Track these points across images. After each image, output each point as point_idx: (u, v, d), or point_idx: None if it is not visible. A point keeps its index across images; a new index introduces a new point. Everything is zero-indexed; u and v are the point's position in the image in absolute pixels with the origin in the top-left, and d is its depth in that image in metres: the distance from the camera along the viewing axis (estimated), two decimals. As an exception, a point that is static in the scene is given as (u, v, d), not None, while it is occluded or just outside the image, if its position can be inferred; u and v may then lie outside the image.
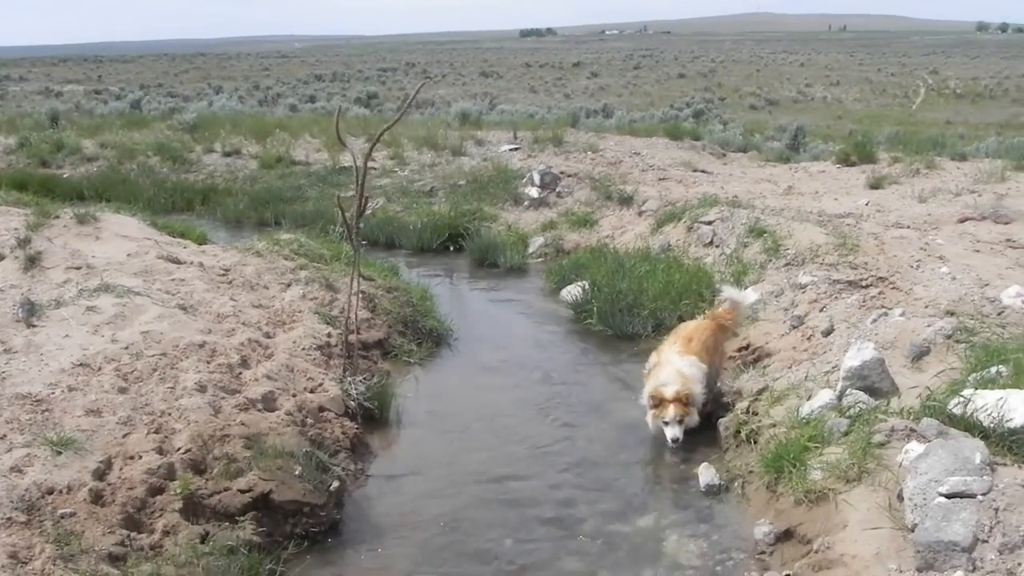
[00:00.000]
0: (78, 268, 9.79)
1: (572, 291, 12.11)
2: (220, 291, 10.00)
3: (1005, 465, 5.47)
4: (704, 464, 7.34)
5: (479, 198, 17.50)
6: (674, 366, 7.95)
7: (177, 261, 10.80)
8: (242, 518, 6.04)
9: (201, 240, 13.46)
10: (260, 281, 10.70)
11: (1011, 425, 5.77)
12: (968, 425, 5.95)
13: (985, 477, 5.17)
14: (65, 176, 21.42)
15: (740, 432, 7.67)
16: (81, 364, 7.32)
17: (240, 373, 7.94)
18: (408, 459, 7.89)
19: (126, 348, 7.69)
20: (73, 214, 11.77)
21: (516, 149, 21.27)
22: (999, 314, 8.43)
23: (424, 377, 9.81)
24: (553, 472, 7.61)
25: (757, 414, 7.71)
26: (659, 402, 7.71)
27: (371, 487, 7.29)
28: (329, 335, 9.33)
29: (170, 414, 6.89)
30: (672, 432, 7.64)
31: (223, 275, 10.66)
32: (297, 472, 6.47)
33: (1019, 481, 5.13)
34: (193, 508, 6.02)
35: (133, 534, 5.61)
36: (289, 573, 5.76)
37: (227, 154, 23.10)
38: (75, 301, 8.59)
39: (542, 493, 7.25)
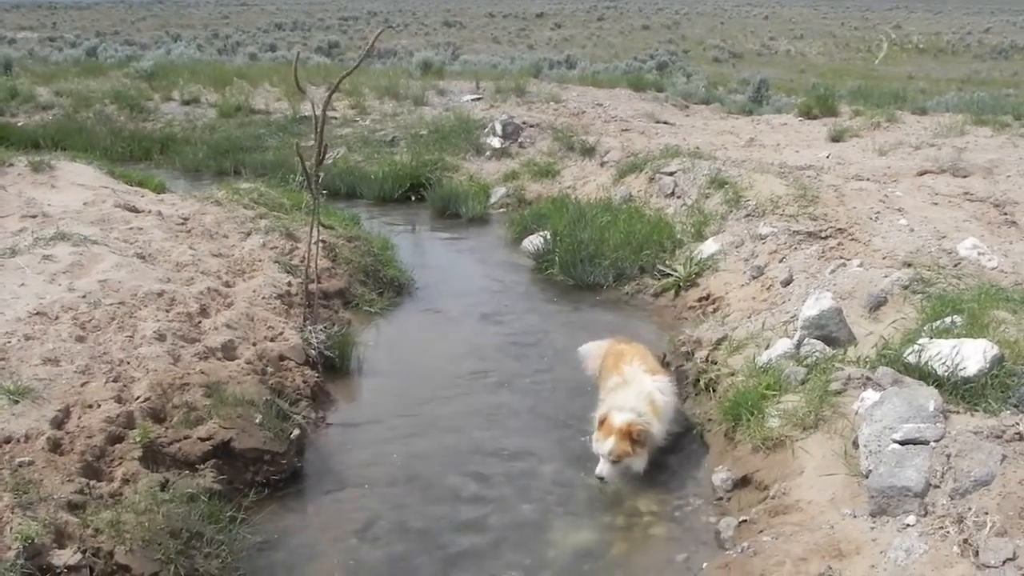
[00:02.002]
0: (33, 216, 9.64)
1: (534, 241, 12.10)
2: (179, 240, 9.88)
3: (958, 413, 5.57)
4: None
5: (441, 148, 17.38)
6: (644, 388, 6.68)
7: (135, 210, 10.65)
8: (202, 466, 6.02)
9: (159, 189, 13.24)
10: (219, 230, 10.58)
11: (964, 374, 5.87)
12: (923, 374, 6.04)
13: (938, 424, 5.27)
14: (19, 124, 20.97)
15: (699, 381, 7.75)
16: (38, 313, 7.21)
17: (199, 322, 7.87)
18: (369, 407, 7.92)
19: (83, 297, 7.58)
20: (28, 162, 11.57)
21: (478, 99, 21.13)
22: (955, 265, 8.54)
23: (385, 326, 9.80)
24: (514, 420, 7.67)
25: (716, 363, 7.78)
26: (603, 424, 6.45)
27: (332, 435, 7.30)
28: (289, 284, 9.26)
29: (129, 363, 6.82)
30: (601, 468, 6.37)
31: (182, 224, 10.53)
32: (258, 420, 6.46)
33: (971, 428, 5.22)
34: (153, 456, 5.98)
35: (92, 482, 5.56)
36: (251, 520, 5.76)
37: (186, 103, 22.75)
38: (31, 250, 8.45)
39: (503, 440, 7.30)
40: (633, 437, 6.28)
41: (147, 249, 9.23)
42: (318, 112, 8.35)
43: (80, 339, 6.97)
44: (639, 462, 6.38)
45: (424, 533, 6.03)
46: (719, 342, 8.13)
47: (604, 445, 6.31)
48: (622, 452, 6.28)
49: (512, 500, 6.45)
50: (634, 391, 6.61)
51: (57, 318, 7.22)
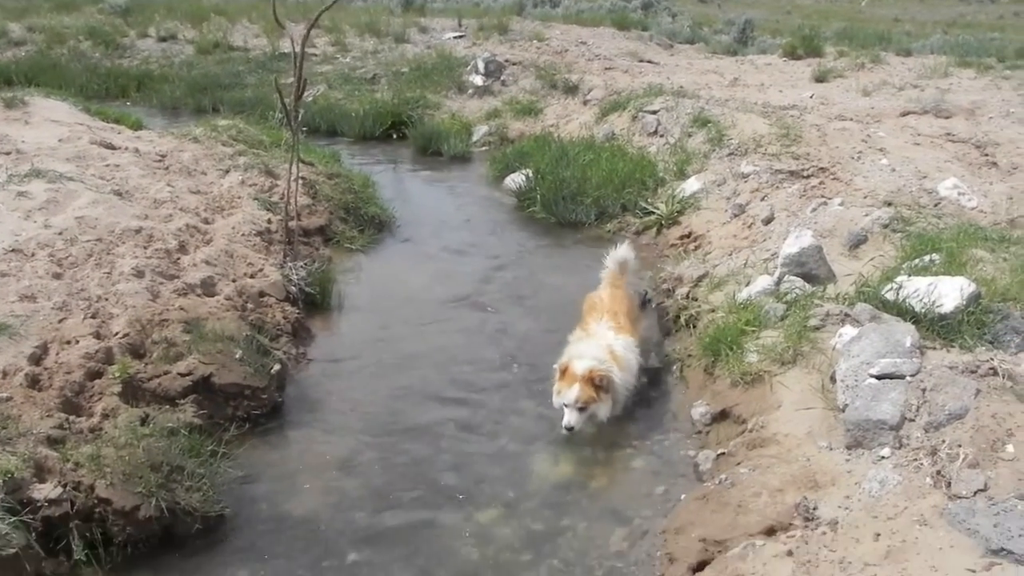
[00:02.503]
0: (7, 153, 9.49)
1: (516, 179, 12.07)
2: (156, 177, 9.78)
3: (934, 348, 5.62)
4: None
5: (422, 86, 17.26)
6: (605, 341, 6.60)
7: (111, 147, 10.52)
8: (183, 401, 6.01)
9: (136, 127, 13.08)
10: (198, 167, 10.48)
11: (941, 311, 5.91)
12: (900, 310, 6.08)
13: (914, 359, 5.31)
14: (-9, 61, 20.62)
15: (680, 317, 7.78)
16: (13, 250, 7.14)
17: (178, 258, 7.81)
18: (350, 343, 7.92)
19: (60, 234, 7.51)
20: (0, 98, 11.38)
21: (460, 37, 20.93)
22: (936, 205, 8.57)
23: (366, 263, 9.78)
24: (494, 352, 7.71)
25: (696, 300, 7.81)
26: (564, 373, 6.27)
27: (313, 370, 7.31)
28: (269, 221, 9.20)
29: (107, 299, 6.77)
30: (567, 418, 6.18)
31: (159, 161, 10.42)
32: (237, 356, 6.45)
33: (946, 363, 5.27)
34: (133, 392, 5.97)
35: (72, 417, 5.54)
36: (232, 454, 5.76)
37: (162, 39, 22.43)
38: (5, 187, 8.33)
39: (482, 374, 7.35)
40: (596, 383, 6.16)
41: (124, 186, 9.12)
42: (297, 49, 8.23)
43: (57, 276, 6.91)
44: (604, 408, 6.26)
45: (405, 466, 6.07)
46: (700, 279, 8.15)
47: (568, 393, 6.15)
48: (588, 398, 6.14)
49: (493, 433, 6.50)
50: (595, 342, 6.53)
51: (33, 255, 7.15)
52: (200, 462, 5.41)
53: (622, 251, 7.67)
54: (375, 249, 10.23)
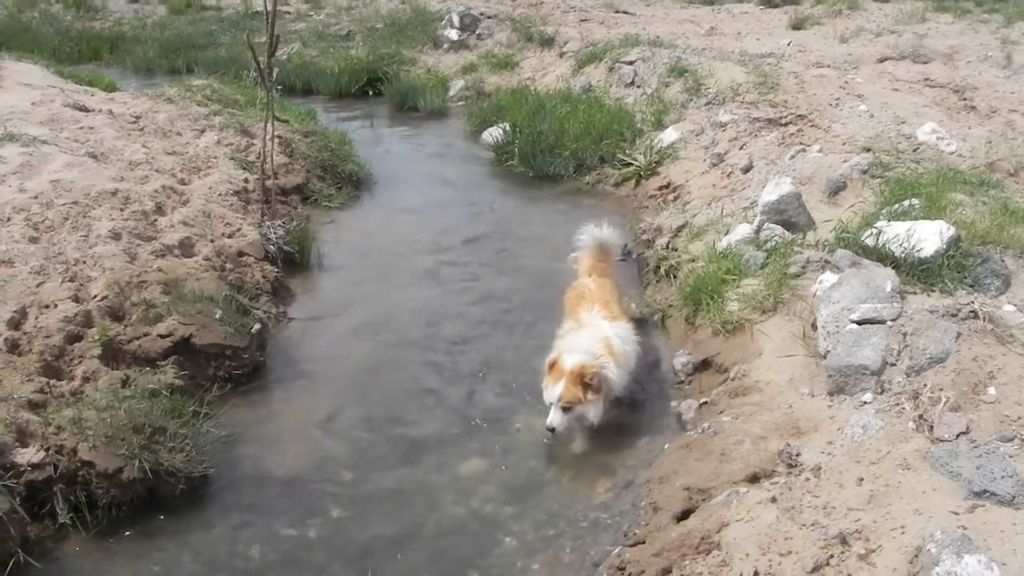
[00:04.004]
0: (-21, 119, 9.36)
1: (493, 133, 11.99)
2: (131, 138, 9.66)
3: (915, 293, 5.64)
4: (624, 299, 7.41)
5: (397, 41, 17.08)
6: (602, 332, 5.95)
7: (85, 109, 10.38)
8: (163, 362, 5.98)
9: (110, 89, 12.91)
10: (173, 128, 10.36)
11: (921, 255, 5.91)
12: (880, 255, 6.08)
13: (895, 304, 5.32)
14: (-40, 25, 20.28)
15: (660, 268, 7.77)
16: (-12, 215, 7.07)
17: (155, 220, 7.74)
18: (330, 301, 7.89)
19: (35, 198, 7.40)
20: (-29, 64, 11.22)
21: (435, -10, 20.66)
22: (914, 150, 8.56)
23: (344, 220, 9.72)
24: (475, 309, 7.70)
25: (676, 250, 7.81)
26: (553, 367, 5.72)
27: (294, 329, 7.28)
28: (246, 181, 9.11)
29: (85, 262, 6.71)
30: (551, 417, 5.62)
31: (134, 122, 10.29)
32: (217, 316, 6.41)
33: (927, 307, 5.28)
34: (113, 354, 5.93)
35: (53, 381, 5.52)
36: (214, 414, 5.74)
37: (133, 0, 22.04)
38: (-23, 152, 8.23)
39: (463, 330, 7.34)
40: (585, 381, 5.55)
41: (99, 148, 9.01)
42: (270, 6, 8.10)
43: (33, 240, 6.83)
44: (594, 411, 5.65)
45: (388, 423, 6.07)
46: (679, 229, 8.14)
47: (553, 390, 5.59)
48: (573, 398, 5.55)
49: (474, 388, 6.50)
50: (589, 334, 5.91)
51: (9, 219, 7.05)
52: (182, 423, 5.40)
53: (604, 231, 7.05)
54: (353, 206, 10.17)
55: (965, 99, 10.58)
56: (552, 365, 5.71)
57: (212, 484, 5.38)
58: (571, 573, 4.70)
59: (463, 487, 5.43)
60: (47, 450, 4.94)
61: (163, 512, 5.11)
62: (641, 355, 6.23)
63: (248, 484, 5.43)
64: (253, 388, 6.37)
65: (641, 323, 7.08)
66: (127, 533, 4.96)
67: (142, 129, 10.08)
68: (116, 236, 7.11)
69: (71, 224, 7.18)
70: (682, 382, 6.37)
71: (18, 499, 4.71)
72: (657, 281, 7.75)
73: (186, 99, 11.49)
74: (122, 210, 7.63)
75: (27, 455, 4.88)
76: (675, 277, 7.49)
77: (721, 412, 5.50)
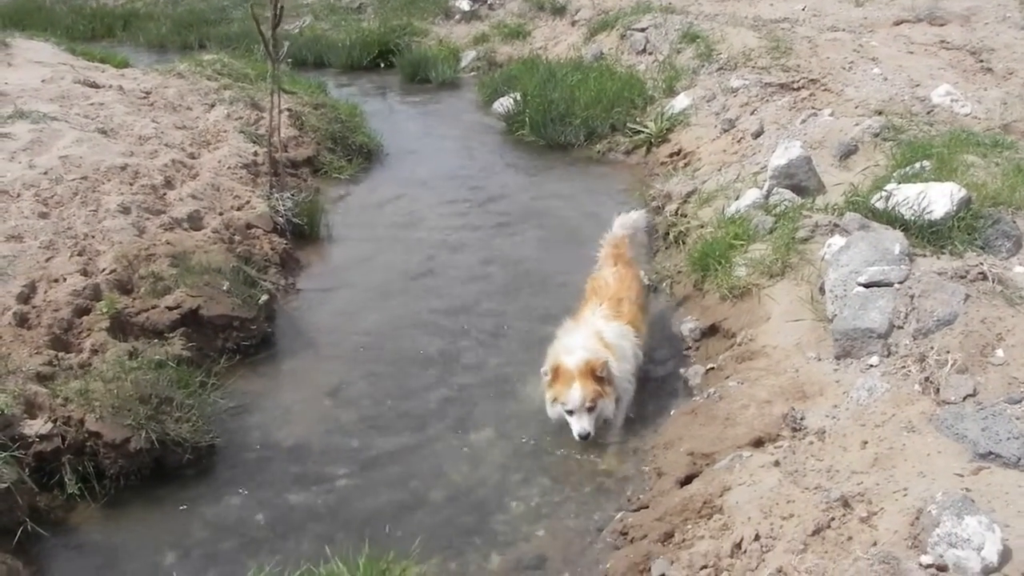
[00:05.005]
0: (-9, 96, 9.39)
1: (504, 103, 11.95)
2: (141, 114, 9.68)
3: (924, 255, 5.58)
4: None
5: (409, 13, 17.03)
6: (593, 328, 5.67)
7: (95, 85, 10.40)
8: (171, 334, 6.00)
9: (122, 66, 12.92)
10: (183, 102, 10.39)
11: (931, 217, 5.85)
12: (890, 218, 6.02)
13: (903, 266, 5.26)
14: (-28, 5, 20.34)
15: (669, 234, 7.73)
16: (-1, 191, 7.10)
17: (164, 194, 7.76)
18: (338, 272, 7.90)
19: (45, 173, 7.43)
20: (-18, 41, 11.25)
21: (446, -40, 20.52)
22: (928, 113, 8.46)
23: (355, 192, 9.73)
24: (485, 278, 7.70)
25: (686, 216, 7.76)
26: (557, 375, 5.35)
27: (302, 300, 7.30)
28: (255, 154, 9.12)
29: (93, 236, 6.73)
30: (579, 425, 5.26)
31: (144, 98, 10.31)
32: (225, 287, 6.43)
33: (936, 269, 5.23)
34: (121, 327, 5.96)
35: (61, 354, 5.55)
36: (222, 385, 5.77)
37: (147, -23, 22.06)
38: (-11, 129, 8.25)
39: (472, 300, 7.34)
40: (597, 374, 5.28)
41: (109, 124, 9.03)
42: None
43: (43, 215, 6.86)
44: (610, 404, 5.40)
45: (396, 392, 6.08)
46: (689, 195, 8.09)
47: (571, 395, 5.24)
48: (594, 394, 5.24)
49: (482, 356, 6.51)
50: (581, 332, 5.63)
51: (19, 195, 7.08)
52: (189, 393, 5.43)
53: (634, 216, 6.79)
54: (363, 178, 10.16)
55: (981, 61, 10.42)
56: (555, 372, 5.35)
57: (219, 453, 5.41)
58: (575, 538, 4.70)
59: (469, 455, 5.44)
60: (55, 421, 4.97)
61: (170, 482, 5.14)
62: (640, 358, 5.82)
63: (255, 453, 5.46)
64: (261, 359, 6.39)
65: (647, 291, 7.05)
66: (135, 503, 4.99)
67: (152, 104, 10.11)
68: (125, 210, 7.13)
69: (80, 199, 7.20)
70: (689, 348, 6.34)
71: (27, 470, 4.75)
72: (666, 248, 7.72)
73: (196, 74, 11.51)
74: (131, 184, 7.65)
75: (35, 426, 4.92)
76: (684, 243, 7.45)
77: (727, 377, 5.48)
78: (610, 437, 5.53)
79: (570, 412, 5.27)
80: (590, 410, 5.25)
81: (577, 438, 5.25)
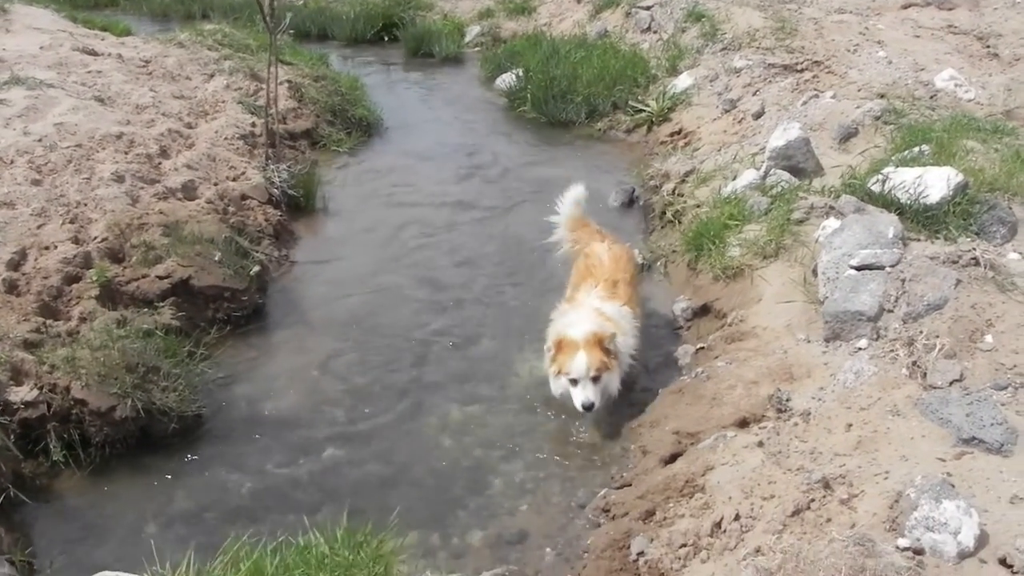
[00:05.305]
0: (-13, 61, 9.36)
1: (506, 79, 11.88)
2: (139, 82, 9.64)
3: (919, 240, 5.54)
4: (628, 244, 7.32)
5: (414, -14, 16.91)
6: (592, 307, 5.50)
7: (94, 53, 10.35)
8: (161, 304, 5.99)
9: (124, 34, 12.86)
10: (182, 72, 10.34)
11: (927, 201, 5.81)
12: (886, 202, 5.98)
13: (895, 250, 5.23)
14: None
15: (665, 213, 7.70)
16: (-8, 158, 7.07)
17: (159, 163, 7.74)
18: (333, 245, 7.88)
19: (39, 140, 7.40)
20: (-19, 7, 11.20)
21: (454, -66, 20.39)
22: (931, 97, 8.39)
23: (353, 165, 9.68)
24: (480, 255, 7.69)
25: (683, 195, 7.72)
26: (561, 346, 5.23)
27: (295, 272, 7.28)
28: (253, 125, 9.08)
29: (86, 205, 6.72)
30: (583, 395, 5.11)
31: (143, 67, 10.26)
32: (217, 258, 6.41)
33: (928, 254, 5.19)
34: (111, 295, 5.95)
35: (49, 321, 5.54)
36: (212, 356, 5.77)
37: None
38: (-16, 95, 8.22)
39: (467, 275, 7.32)
40: (604, 345, 5.17)
41: (106, 92, 8.99)
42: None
43: (36, 182, 6.84)
44: (615, 378, 5.28)
45: (385, 366, 6.07)
46: (687, 175, 8.04)
47: (575, 364, 5.11)
48: (600, 364, 5.12)
49: (475, 332, 6.49)
50: (581, 311, 5.48)
51: (12, 162, 7.06)
52: (176, 363, 5.43)
53: (575, 192, 6.65)
54: (362, 151, 10.11)
55: (988, 46, 10.32)
56: (559, 344, 5.23)
57: (206, 424, 5.42)
58: (558, 514, 4.71)
59: (455, 430, 5.44)
60: (41, 388, 4.98)
61: (156, 451, 5.15)
62: (640, 341, 5.67)
63: (242, 424, 5.46)
64: (252, 330, 6.39)
65: (641, 270, 7.03)
66: (121, 471, 5.01)
67: (151, 73, 10.07)
68: (119, 179, 7.11)
69: (74, 167, 7.19)
70: (680, 327, 6.32)
71: (11, 436, 4.76)
72: (662, 227, 7.68)
73: (197, 43, 11.46)
74: (126, 153, 7.63)
75: (21, 393, 4.94)
76: (680, 223, 7.41)
77: (717, 357, 5.47)
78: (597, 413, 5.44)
79: (574, 382, 5.15)
80: (595, 380, 5.12)
81: (580, 408, 5.13)
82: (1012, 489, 3.53)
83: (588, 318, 5.33)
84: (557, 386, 5.30)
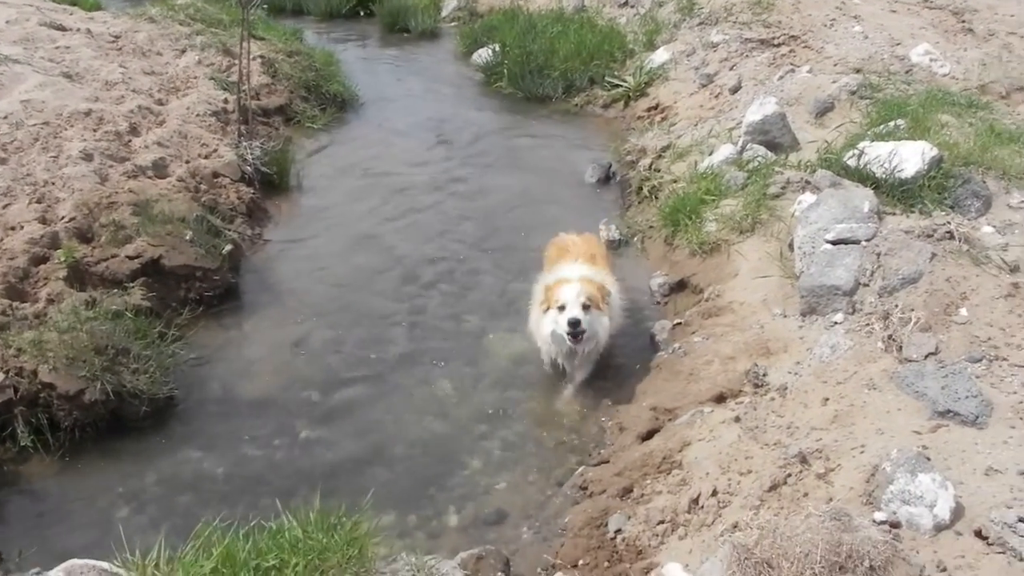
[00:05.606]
0: (-50, 36, 9.18)
1: (483, 54, 11.80)
2: (109, 58, 9.46)
3: (894, 214, 5.53)
4: (605, 220, 7.31)
5: (391, -41, 16.71)
6: (582, 272, 5.39)
7: (62, 28, 10.14)
8: (131, 284, 5.89)
9: (93, 8, 12.62)
10: (153, 47, 10.16)
11: (902, 175, 5.80)
12: (862, 176, 5.97)
13: (871, 224, 5.22)
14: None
15: (642, 189, 7.65)
16: (-44, 135, 6.93)
17: (129, 141, 7.60)
18: (307, 222, 7.79)
19: (4, 118, 7.24)
20: (-57, -19, 10.95)
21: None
22: (907, 72, 8.37)
23: (328, 142, 9.58)
24: (454, 231, 7.62)
25: (659, 171, 7.67)
26: (554, 286, 5.24)
27: (269, 251, 7.20)
28: (226, 101, 8.94)
29: (53, 183, 6.59)
30: (570, 313, 5.04)
31: (113, 42, 10.07)
32: (188, 237, 6.32)
33: (903, 228, 5.19)
34: (79, 276, 5.85)
35: (16, 303, 5.44)
36: (184, 336, 5.69)
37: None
38: (-52, 71, 8.06)
39: (442, 253, 7.27)
40: (596, 287, 5.22)
41: (74, 68, 8.82)
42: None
43: (1, 161, 6.71)
44: (604, 323, 5.23)
45: (360, 345, 6.02)
46: (664, 150, 8.00)
47: (566, 291, 5.12)
48: (592, 295, 5.12)
49: (450, 313, 6.43)
50: (571, 269, 5.43)
51: (-24, 141, 6.94)
52: (147, 344, 5.34)
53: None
54: (337, 128, 10.01)
55: (964, 21, 10.31)
56: (551, 286, 5.24)
57: (178, 406, 5.36)
58: (535, 493, 4.68)
59: (432, 409, 5.40)
60: (7, 372, 4.89)
61: (127, 434, 5.08)
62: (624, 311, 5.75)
63: (215, 406, 5.40)
64: (224, 310, 6.31)
65: (618, 245, 7.00)
66: (91, 455, 4.94)
67: (120, 49, 9.88)
68: (87, 157, 6.98)
69: (41, 145, 7.05)
70: (658, 303, 6.29)
71: (-23, 422, 4.69)
72: (639, 202, 7.64)
73: (168, 18, 11.25)
74: (95, 131, 7.49)
75: (-14, 377, 4.84)
76: (656, 198, 7.37)
77: (693, 333, 5.45)
78: (575, 387, 5.50)
79: (562, 308, 5.08)
80: (585, 308, 5.06)
81: (567, 326, 5.02)
82: (987, 461, 3.54)
83: (581, 269, 5.33)
84: (546, 324, 5.22)
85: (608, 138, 9.30)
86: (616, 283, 5.73)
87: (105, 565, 3.40)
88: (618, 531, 4.02)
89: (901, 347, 4.38)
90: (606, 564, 3.89)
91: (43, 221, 6.12)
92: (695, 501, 3.91)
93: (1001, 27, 9.82)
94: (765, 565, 3.01)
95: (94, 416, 4.98)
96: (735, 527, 3.55)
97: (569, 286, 5.12)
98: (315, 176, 8.65)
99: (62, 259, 5.78)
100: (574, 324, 5.00)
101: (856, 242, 5.11)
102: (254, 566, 3.35)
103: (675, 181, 7.29)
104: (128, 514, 4.56)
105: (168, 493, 4.72)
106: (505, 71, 11.03)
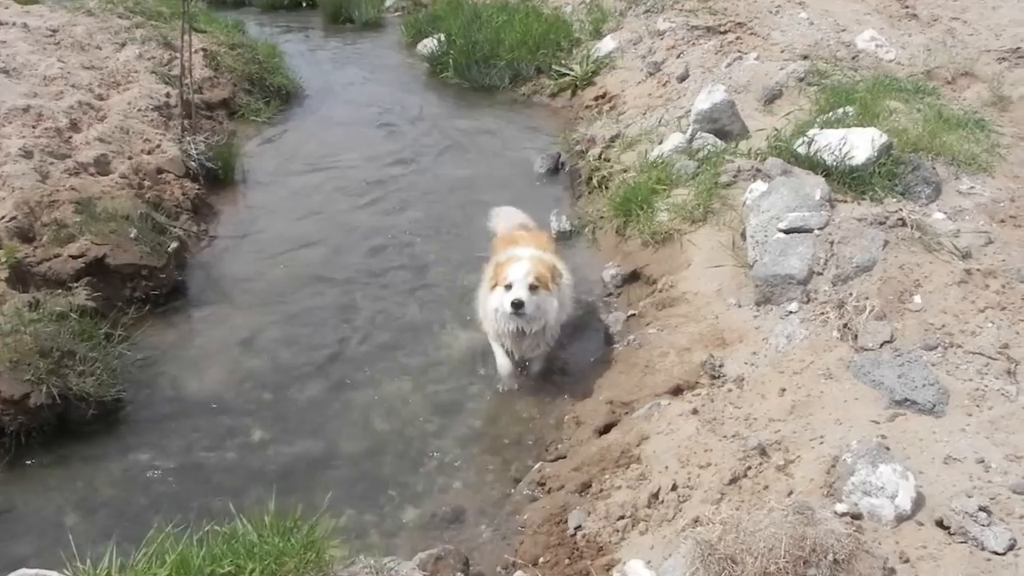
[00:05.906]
0: None
1: (428, 44, 11.74)
2: (47, 53, 9.22)
3: (845, 202, 5.56)
4: (555, 211, 7.28)
5: (332, -50, 16.55)
6: (534, 254, 5.25)
7: (-3, 23, 9.91)
8: (75, 284, 5.74)
9: (29, 2, 12.31)
10: (92, 41, 9.92)
11: (853, 163, 5.83)
12: (812, 164, 5.99)
13: (823, 212, 5.24)
14: None
15: (592, 179, 7.63)
16: None
17: (70, 137, 7.42)
18: (254, 217, 7.67)
19: (-62, 116, 7.08)
20: None
21: None
22: (853, 58, 8.44)
23: (273, 135, 9.46)
24: (402, 225, 7.55)
25: (609, 160, 7.65)
26: (504, 264, 5.13)
27: (215, 248, 7.07)
28: (168, 95, 8.77)
29: (-8, 182, 6.43)
30: (515, 294, 4.92)
31: (50, 36, 9.82)
32: (133, 235, 6.18)
33: (856, 215, 5.21)
34: (21, 277, 5.68)
35: (-45, 309, 5.29)
36: (131, 337, 5.55)
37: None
38: None
39: (390, 247, 7.20)
40: (543, 265, 5.10)
41: (11, 63, 8.58)
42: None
43: (-64, 160, 6.53)
44: (553, 305, 5.09)
45: (311, 342, 5.94)
46: (613, 139, 7.98)
47: (515, 269, 5.00)
48: (541, 275, 5.00)
49: (401, 309, 6.37)
50: (528, 251, 5.27)
51: (-92, 140, 6.74)
52: (93, 346, 5.21)
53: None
54: (282, 121, 9.89)
55: (907, 7, 10.42)
56: (501, 265, 5.13)
57: (127, 408, 5.23)
58: (492, 491, 4.63)
59: (386, 406, 5.32)
60: (-53, 382, 4.74)
61: (76, 438, 4.95)
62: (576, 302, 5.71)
63: (165, 407, 5.29)
64: (172, 308, 6.19)
65: (569, 236, 6.98)
66: (39, 460, 4.80)
67: (59, 43, 9.64)
68: (27, 154, 6.81)
69: (-23, 143, 6.86)
70: (611, 295, 6.27)
71: (-83, 429, 4.54)
72: (589, 192, 7.62)
73: (107, 11, 11.00)
74: (34, 127, 7.30)
75: (-75, 387, 4.69)
76: (606, 188, 7.35)
77: (648, 324, 5.43)
78: (530, 378, 5.47)
79: (508, 287, 4.97)
80: (532, 288, 4.94)
81: (510, 307, 4.90)
82: (945, 449, 3.56)
83: (531, 253, 5.18)
84: (493, 301, 5.09)
85: (556, 128, 9.28)
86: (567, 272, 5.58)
87: (55, 575, 3.31)
88: (578, 527, 3.98)
89: (856, 336, 4.40)
90: (567, 561, 3.85)
91: (-19, 222, 5.96)
92: (655, 496, 3.89)
93: (944, 12, 9.93)
94: (729, 561, 3.00)
95: (40, 421, 4.83)
96: (696, 522, 3.53)
97: (519, 264, 5.01)
98: (261, 170, 8.52)
99: (3, 260, 5.62)
100: (517, 305, 4.89)
101: (809, 230, 5.12)
102: (209, 572, 3.27)
103: (625, 171, 7.27)
104: (78, 521, 4.43)
105: (119, 497, 4.60)
106: (451, 61, 10.99)
